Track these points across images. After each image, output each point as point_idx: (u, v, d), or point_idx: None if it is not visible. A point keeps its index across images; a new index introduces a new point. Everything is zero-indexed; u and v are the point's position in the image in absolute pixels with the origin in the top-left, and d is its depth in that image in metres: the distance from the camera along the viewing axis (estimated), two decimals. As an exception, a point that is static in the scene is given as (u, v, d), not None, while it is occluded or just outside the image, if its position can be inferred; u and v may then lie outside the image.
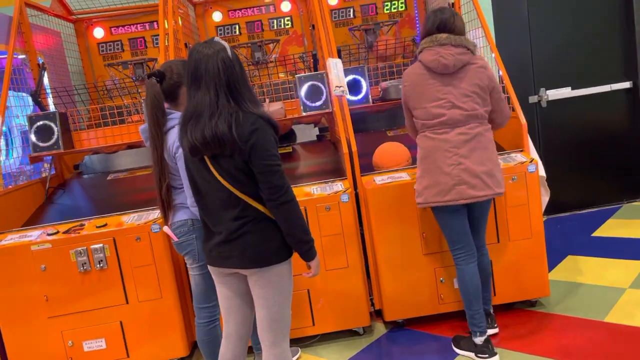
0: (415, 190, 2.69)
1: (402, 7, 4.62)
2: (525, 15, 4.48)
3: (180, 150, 2.18)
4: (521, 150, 3.08)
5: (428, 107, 2.59)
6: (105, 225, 2.89)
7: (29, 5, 3.73)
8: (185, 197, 2.35)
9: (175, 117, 2.32)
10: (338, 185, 3.02)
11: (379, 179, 3.02)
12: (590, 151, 4.66)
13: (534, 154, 3.06)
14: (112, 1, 4.40)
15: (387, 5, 4.61)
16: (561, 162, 4.54)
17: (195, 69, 1.93)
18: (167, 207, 2.40)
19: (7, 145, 3.76)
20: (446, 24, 2.59)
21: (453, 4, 3.85)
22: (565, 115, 4.58)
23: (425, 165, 2.63)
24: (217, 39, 1.98)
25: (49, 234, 2.86)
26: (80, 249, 2.81)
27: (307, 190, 3.02)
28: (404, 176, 3.02)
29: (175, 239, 2.40)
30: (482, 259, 2.80)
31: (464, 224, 2.65)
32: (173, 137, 2.31)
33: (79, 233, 2.85)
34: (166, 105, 2.38)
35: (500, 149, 3.20)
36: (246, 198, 1.93)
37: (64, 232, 2.87)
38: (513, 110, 3.15)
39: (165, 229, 2.43)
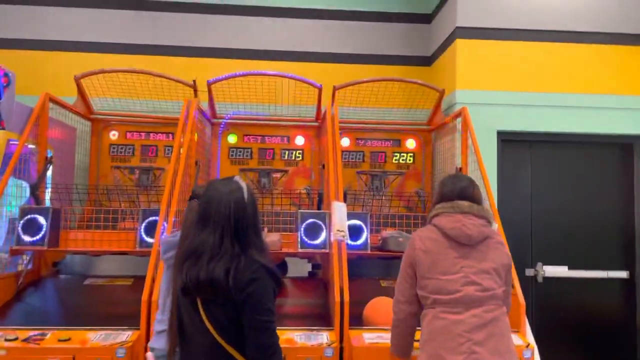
0: None
1: (410, 160, 4.76)
2: (528, 187, 4.60)
3: None
4: (517, 332, 2.95)
5: (441, 279, 2.28)
6: (69, 339, 2.67)
7: (53, 101, 3.82)
8: None
9: None
10: (323, 336, 2.85)
11: (368, 337, 2.85)
12: (582, 335, 4.51)
13: (530, 337, 2.93)
14: (134, 108, 4.54)
15: (395, 156, 4.76)
16: (551, 340, 4.37)
17: (206, 206, 1.87)
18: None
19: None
20: (466, 192, 2.44)
21: (461, 168, 3.96)
22: (560, 294, 4.50)
23: (430, 349, 2.25)
24: (237, 178, 1.94)
25: (7, 339, 2.64)
26: (34, 362, 2.57)
27: (290, 336, 2.84)
28: (393, 338, 2.85)
29: None
30: None
31: None
32: None
33: (38, 344, 2.63)
34: None
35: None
36: (231, 350, 1.79)
37: (22, 340, 2.65)
38: (512, 287, 3.07)
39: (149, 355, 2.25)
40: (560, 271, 4.48)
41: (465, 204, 2.39)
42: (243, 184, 1.92)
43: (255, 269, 1.79)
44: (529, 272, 4.49)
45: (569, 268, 4.49)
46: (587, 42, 4.54)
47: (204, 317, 1.79)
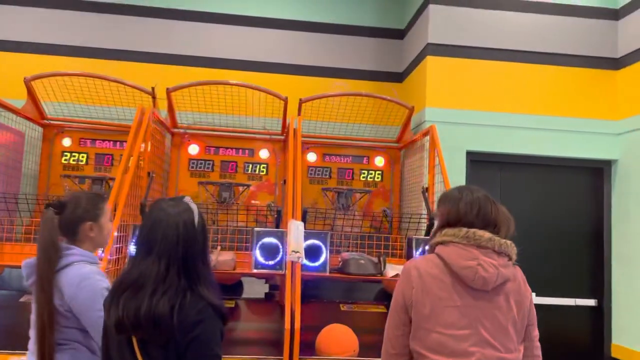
0: None
1: (378, 178, 4.60)
2: (497, 210, 4.47)
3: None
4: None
5: (444, 333, 1.73)
6: (-14, 365, 2.43)
7: (-3, 103, 3.59)
8: None
9: (75, 253, 2.04)
10: (270, 367, 2.65)
11: (318, 368, 2.67)
12: (551, 364, 4.38)
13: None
14: (90, 114, 4.31)
15: (363, 173, 4.60)
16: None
17: (150, 230, 1.64)
18: None
19: None
20: (486, 214, 1.84)
21: (427, 188, 3.82)
22: (527, 321, 4.37)
23: None
24: (187, 199, 1.73)
25: None
26: (-56, 390, 2.32)
27: (234, 366, 2.63)
28: (345, 369, 2.67)
29: None
30: None
31: None
32: (70, 276, 1.98)
33: (-51, 370, 2.37)
34: (62, 239, 2.11)
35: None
36: None
37: None
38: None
39: None
40: (527, 297, 4.34)
41: (485, 235, 1.80)
42: (193, 206, 1.71)
43: (201, 307, 1.58)
44: (496, 298, 4.34)
45: (537, 295, 4.36)
46: (559, 64, 4.47)
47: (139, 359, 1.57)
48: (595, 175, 4.55)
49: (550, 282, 4.43)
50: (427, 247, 2.02)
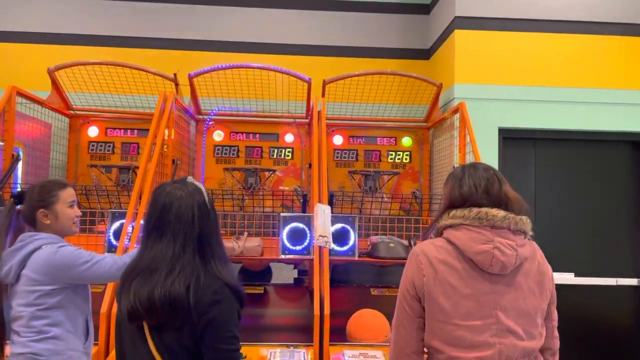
0: None
1: (406, 159, 4.48)
2: (532, 188, 4.32)
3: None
4: None
5: (461, 325, 1.59)
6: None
7: (21, 95, 3.59)
8: None
9: (41, 237, 2.11)
10: (300, 354, 2.60)
11: (350, 354, 2.60)
12: (589, 346, 4.22)
13: None
14: (114, 103, 4.31)
15: (391, 155, 4.48)
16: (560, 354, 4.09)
17: (161, 214, 1.59)
18: None
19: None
20: (493, 193, 1.70)
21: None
22: (565, 303, 4.19)
23: None
24: (190, 179, 1.70)
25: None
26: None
27: (264, 353, 2.59)
28: (378, 355, 2.60)
29: None
30: None
31: None
32: (44, 253, 2.05)
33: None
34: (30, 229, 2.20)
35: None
36: None
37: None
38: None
39: None
40: (565, 278, 4.18)
41: (499, 214, 1.64)
42: (200, 185, 1.68)
43: (217, 288, 1.53)
44: (532, 279, 4.20)
45: (575, 275, 4.20)
46: (596, 33, 4.24)
47: (152, 348, 1.51)
48: (635, 149, 4.33)
49: (590, 262, 4.25)
50: (432, 231, 1.84)
